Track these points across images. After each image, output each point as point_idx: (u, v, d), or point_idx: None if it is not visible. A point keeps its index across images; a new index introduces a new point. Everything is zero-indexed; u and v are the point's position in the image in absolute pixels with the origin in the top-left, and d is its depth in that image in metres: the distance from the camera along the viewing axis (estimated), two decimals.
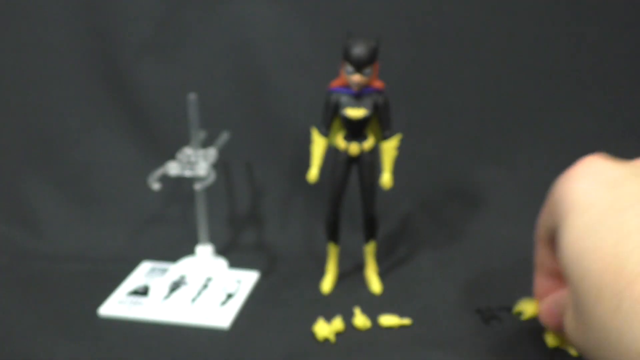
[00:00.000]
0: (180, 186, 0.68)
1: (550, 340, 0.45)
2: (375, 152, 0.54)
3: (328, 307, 0.53)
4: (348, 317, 0.51)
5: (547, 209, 0.40)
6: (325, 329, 0.49)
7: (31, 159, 0.70)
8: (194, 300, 0.55)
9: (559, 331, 0.42)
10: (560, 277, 0.43)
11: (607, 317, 0.31)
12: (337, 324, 0.50)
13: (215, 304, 0.54)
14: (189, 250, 0.62)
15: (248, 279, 0.59)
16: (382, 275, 0.59)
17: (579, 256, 0.33)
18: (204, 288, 0.57)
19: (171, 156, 0.57)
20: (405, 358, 0.47)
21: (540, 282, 0.45)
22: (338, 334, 0.50)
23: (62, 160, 0.70)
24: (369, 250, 0.57)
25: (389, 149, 0.53)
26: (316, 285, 0.57)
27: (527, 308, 0.46)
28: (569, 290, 0.35)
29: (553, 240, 0.40)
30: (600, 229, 0.33)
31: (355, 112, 0.51)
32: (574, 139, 0.71)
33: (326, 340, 0.49)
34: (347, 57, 0.49)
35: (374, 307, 0.53)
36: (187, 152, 0.57)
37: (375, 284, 0.57)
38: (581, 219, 0.34)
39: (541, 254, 0.44)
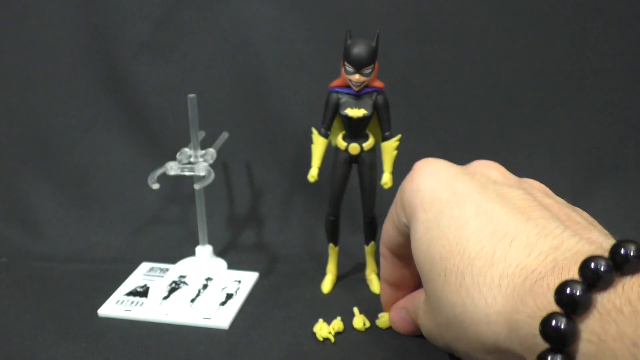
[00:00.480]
0: (180, 186, 0.68)
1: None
2: (375, 152, 0.54)
3: (328, 308, 0.53)
4: (348, 318, 0.51)
5: (394, 214, 0.44)
6: (325, 329, 0.49)
7: (30, 159, 0.70)
8: (193, 300, 0.55)
9: (411, 332, 0.48)
10: (404, 286, 0.49)
11: (453, 294, 0.35)
12: (337, 324, 0.50)
13: (215, 305, 0.54)
14: (189, 251, 0.62)
15: (248, 279, 0.59)
16: None
17: (428, 245, 0.37)
18: (203, 288, 0.57)
19: (171, 156, 0.57)
20: (405, 358, 0.47)
21: (387, 293, 0.50)
22: (338, 334, 0.50)
23: (61, 160, 0.70)
24: (369, 250, 0.57)
25: (390, 149, 0.53)
26: (316, 285, 0.57)
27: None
28: (422, 281, 0.39)
29: (397, 249, 0.46)
30: (444, 219, 0.37)
31: (356, 112, 0.51)
32: (574, 139, 0.71)
33: (326, 340, 0.49)
34: (347, 57, 0.49)
35: (374, 307, 0.53)
36: (187, 152, 0.57)
37: (375, 285, 0.57)
38: (428, 212, 0.39)
39: (385, 266, 0.48)
